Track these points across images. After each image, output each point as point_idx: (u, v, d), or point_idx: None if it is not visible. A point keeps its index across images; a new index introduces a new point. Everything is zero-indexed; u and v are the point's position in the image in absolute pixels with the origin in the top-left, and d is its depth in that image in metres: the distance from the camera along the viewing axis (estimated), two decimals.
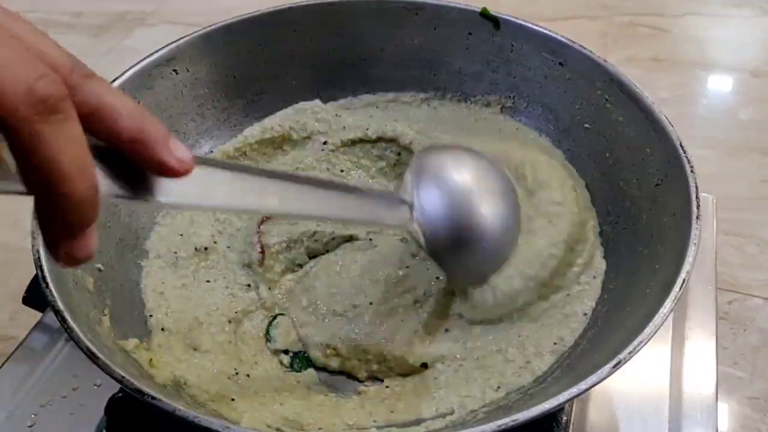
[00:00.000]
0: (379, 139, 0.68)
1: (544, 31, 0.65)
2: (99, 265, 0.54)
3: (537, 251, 0.54)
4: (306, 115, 0.69)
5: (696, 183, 0.52)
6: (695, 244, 0.48)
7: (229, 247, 0.62)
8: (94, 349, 0.43)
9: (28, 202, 0.50)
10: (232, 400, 0.50)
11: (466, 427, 0.44)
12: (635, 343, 0.43)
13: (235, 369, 0.54)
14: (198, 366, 0.52)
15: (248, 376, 0.54)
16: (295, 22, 0.70)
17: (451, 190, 0.52)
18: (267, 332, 0.59)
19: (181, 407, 0.41)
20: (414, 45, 0.71)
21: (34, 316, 0.64)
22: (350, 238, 0.63)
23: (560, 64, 0.65)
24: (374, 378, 0.57)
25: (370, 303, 0.58)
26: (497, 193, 0.54)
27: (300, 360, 0.58)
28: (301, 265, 0.62)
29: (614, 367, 0.42)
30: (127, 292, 0.56)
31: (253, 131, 0.68)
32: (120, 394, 0.52)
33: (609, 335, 0.51)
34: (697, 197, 0.51)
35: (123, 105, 0.30)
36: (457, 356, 0.55)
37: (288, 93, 0.71)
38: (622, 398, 0.58)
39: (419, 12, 0.69)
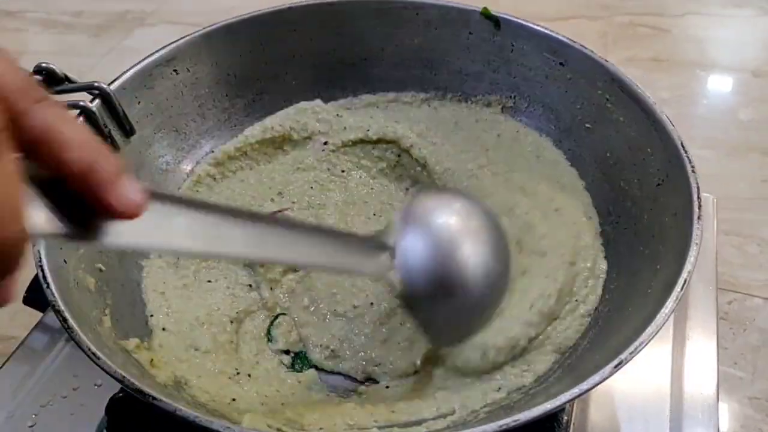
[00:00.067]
0: (379, 141, 0.69)
1: (545, 31, 0.65)
2: (100, 265, 0.54)
3: (531, 297, 0.53)
4: (307, 115, 0.69)
5: (697, 183, 0.52)
6: (697, 244, 0.48)
7: None
8: (94, 349, 0.43)
9: None
10: (233, 400, 0.50)
11: (467, 427, 0.44)
12: (637, 343, 0.43)
13: (236, 369, 0.54)
14: (199, 366, 0.52)
15: (249, 376, 0.54)
16: (296, 22, 0.70)
17: (439, 238, 0.48)
18: (268, 332, 0.59)
19: (181, 407, 0.41)
20: (414, 45, 0.71)
21: (35, 316, 0.64)
22: None
23: (561, 64, 0.65)
24: (373, 379, 0.56)
25: (371, 303, 0.58)
26: (489, 246, 0.50)
27: (301, 360, 0.58)
28: None
29: (616, 367, 0.42)
30: (128, 292, 0.56)
31: (254, 131, 0.68)
32: (121, 394, 0.52)
33: (610, 335, 0.51)
34: (698, 197, 0.51)
35: (75, 135, 0.28)
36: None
37: (289, 93, 0.71)
38: (623, 398, 0.58)
39: (420, 12, 0.69)
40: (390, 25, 0.70)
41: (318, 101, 0.70)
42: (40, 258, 0.47)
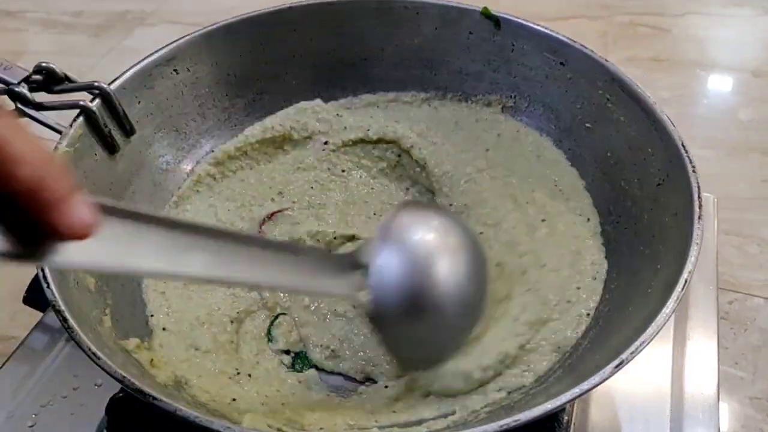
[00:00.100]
0: (379, 141, 0.69)
1: (545, 31, 0.65)
2: None
3: (515, 312, 0.54)
4: (307, 114, 0.69)
5: (698, 183, 0.52)
6: (697, 243, 0.48)
7: None
8: (95, 349, 0.43)
9: None
10: (234, 400, 0.50)
11: (468, 426, 0.44)
12: (638, 343, 0.43)
13: (237, 369, 0.54)
14: (199, 366, 0.52)
15: (250, 376, 0.54)
16: (296, 22, 0.70)
17: (415, 258, 0.47)
18: (268, 332, 0.59)
19: (182, 407, 0.41)
20: (414, 44, 0.71)
21: (35, 316, 0.64)
22: (352, 238, 0.63)
23: (561, 63, 0.65)
24: (372, 379, 0.56)
25: None
26: (465, 268, 0.49)
27: (301, 360, 0.58)
28: None
29: (616, 367, 0.42)
30: (128, 292, 0.56)
31: (254, 131, 0.68)
32: (121, 394, 0.52)
33: (611, 335, 0.51)
34: (699, 197, 0.51)
35: (27, 151, 0.26)
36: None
37: (289, 92, 0.71)
38: (624, 398, 0.57)
39: (420, 11, 0.69)
40: (390, 25, 0.70)
41: (318, 101, 0.70)
42: None
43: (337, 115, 0.70)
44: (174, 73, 0.65)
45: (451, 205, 0.65)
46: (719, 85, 1.20)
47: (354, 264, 0.47)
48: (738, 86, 1.18)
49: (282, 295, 0.60)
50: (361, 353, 0.57)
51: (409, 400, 0.52)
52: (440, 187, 0.66)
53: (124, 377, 0.42)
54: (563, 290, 0.56)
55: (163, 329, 0.55)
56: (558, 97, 0.67)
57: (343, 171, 0.69)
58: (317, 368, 0.57)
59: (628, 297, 0.53)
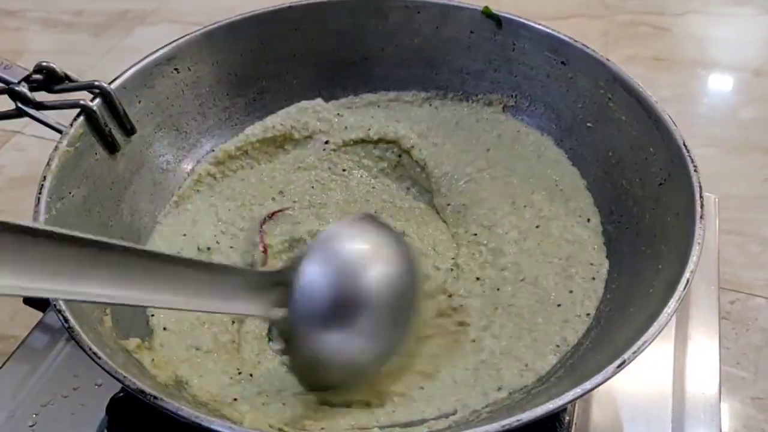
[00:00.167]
0: (380, 140, 0.69)
1: (547, 30, 0.65)
2: None
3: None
4: (308, 114, 0.69)
5: (699, 182, 0.52)
6: (699, 243, 0.48)
7: (232, 247, 0.62)
8: (95, 349, 0.43)
9: (28, 201, 0.50)
10: (235, 400, 0.49)
11: (469, 426, 0.43)
12: (639, 342, 0.43)
13: (238, 369, 0.54)
14: (200, 366, 0.52)
15: (251, 376, 0.54)
16: (297, 21, 0.70)
17: (339, 276, 0.47)
18: (269, 332, 0.58)
19: (183, 407, 0.40)
20: (415, 44, 0.71)
21: (35, 315, 0.64)
22: None
23: (562, 63, 0.65)
24: None
25: None
26: (395, 288, 0.49)
27: None
28: None
29: (618, 366, 0.42)
30: None
31: (255, 130, 0.68)
32: (121, 394, 0.52)
33: (612, 335, 0.51)
34: (701, 196, 0.51)
35: None
36: (465, 356, 0.55)
37: (289, 92, 0.71)
38: (625, 398, 0.57)
39: (421, 11, 0.69)
40: (391, 24, 0.70)
41: (319, 100, 0.70)
42: None
43: (338, 114, 0.70)
44: (175, 72, 0.65)
45: (449, 204, 0.65)
46: (720, 84, 1.19)
47: (275, 281, 0.46)
48: (739, 85, 1.17)
49: None
50: None
51: (410, 400, 0.52)
52: (438, 187, 0.66)
53: (124, 377, 0.42)
54: (556, 293, 0.56)
55: (164, 329, 0.55)
56: (559, 97, 0.66)
57: (344, 170, 0.69)
58: None
59: (630, 297, 0.53)
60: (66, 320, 0.44)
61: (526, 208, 0.63)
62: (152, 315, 0.56)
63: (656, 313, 0.45)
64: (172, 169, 0.65)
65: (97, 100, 0.57)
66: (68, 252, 0.33)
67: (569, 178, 0.65)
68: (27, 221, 0.34)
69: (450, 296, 0.58)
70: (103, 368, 0.42)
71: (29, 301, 0.64)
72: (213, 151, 0.68)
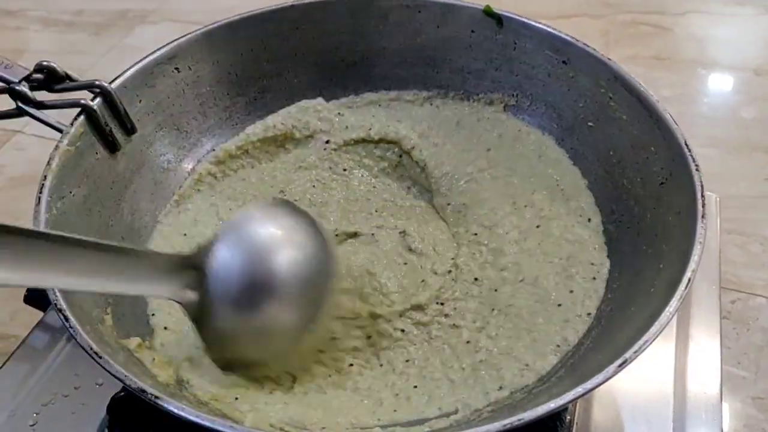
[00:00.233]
0: (381, 140, 0.69)
1: (548, 29, 0.65)
2: None
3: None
4: (308, 113, 0.69)
5: (701, 182, 0.52)
6: (701, 243, 0.48)
7: None
8: (96, 348, 0.43)
9: (29, 201, 0.50)
10: (236, 399, 0.49)
11: (471, 426, 0.43)
12: (641, 342, 0.43)
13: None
14: (201, 365, 0.52)
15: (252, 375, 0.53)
16: (297, 20, 0.70)
17: (250, 257, 0.48)
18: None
19: (184, 407, 0.40)
20: (416, 43, 0.71)
21: (35, 315, 0.64)
22: (354, 234, 0.63)
23: (563, 62, 0.65)
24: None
25: None
26: (306, 267, 0.50)
27: None
28: None
29: (620, 366, 0.42)
30: None
31: (256, 129, 0.68)
32: (122, 394, 0.52)
33: (613, 335, 0.51)
34: (702, 195, 0.51)
35: None
36: (459, 356, 0.55)
37: (290, 91, 0.71)
38: (626, 397, 0.57)
39: (422, 10, 0.69)
40: (392, 23, 0.70)
41: (320, 99, 0.70)
42: None
43: (339, 113, 0.70)
44: (175, 71, 0.65)
45: (449, 204, 0.65)
46: (721, 84, 1.19)
47: (186, 264, 0.48)
48: (740, 85, 1.17)
49: None
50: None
51: (411, 399, 0.52)
52: (438, 187, 0.66)
53: (125, 376, 0.42)
54: (557, 292, 0.57)
55: (165, 328, 0.55)
56: (560, 96, 0.66)
57: (345, 170, 0.69)
58: None
59: (631, 296, 0.53)
60: (66, 319, 0.44)
61: (527, 208, 0.63)
62: (153, 314, 0.56)
63: (657, 313, 0.45)
64: (172, 168, 0.65)
65: (98, 100, 0.57)
66: None
67: (570, 177, 0.65)
68: None
69: (442, 304, 0.58)
70: (103, 367, 0.42)
71: (29, 301, 0.64)
72: (214, 150, 0.68)
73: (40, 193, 0.51)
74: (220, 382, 0.51)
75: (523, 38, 0.67)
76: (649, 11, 1.32)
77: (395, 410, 0.51)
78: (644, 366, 0.57)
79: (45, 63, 0.57)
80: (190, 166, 0.67)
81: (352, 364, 0.55)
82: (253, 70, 0.70)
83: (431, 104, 0.73)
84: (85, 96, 0.57)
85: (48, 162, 0.53)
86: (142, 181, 0.62)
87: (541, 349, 0.53)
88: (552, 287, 0.57)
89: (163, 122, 0.64)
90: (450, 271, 0.60)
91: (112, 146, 0.59)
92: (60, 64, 0.58)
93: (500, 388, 0.51)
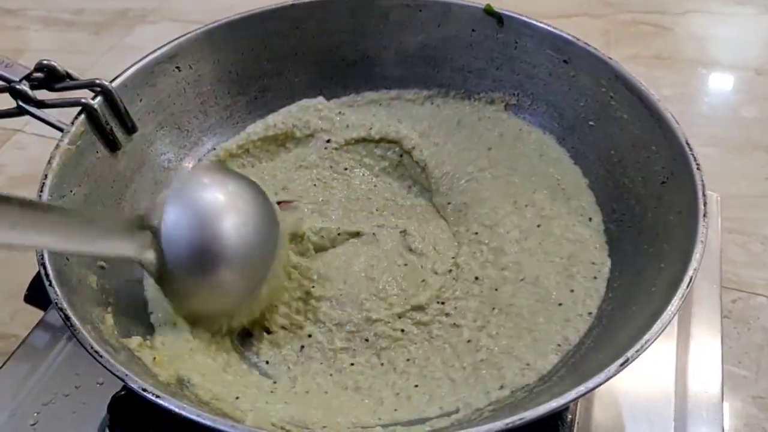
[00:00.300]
0: (381, 140, 0.69)
1: (549, 28, 0.65)
2: (102, 263, 0.54)
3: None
4: (309, 112, 0.69)
5: (702, 181, 0.52)
6: (702, 242, 0.48)
7: None
8: (97, 347, 0.43)
9: None
10: (237, 398, 0.49)
11: (472, 425, 0.43)
12: (642, 341, 0.43)
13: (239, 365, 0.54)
14: (202, 364, 0.52)
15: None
16: (298, 20, 0.70)
17: (203, 213, 0.51)
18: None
19: (185, 406, 0.40)
20: (417, 42, 0.71)
21: (35, 314, 0.63)
22: (356, 234, 0.63)
23: (564, 61, 0.65)
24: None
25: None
26: (251, 227, 0.53)
27: None
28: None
29: (622, 365, 0.42)
30: (130, 290, 0.56)
31: (256, 128, 0.68)
32: (123, 393, 0.52)
33: (614, 334, 0.51)
34: (703, 195, 0.51)
35: None
36: (460, 355, 0.55)
37: (291, 90, 0.71)
38: (627, 397, 0.57)
39: (423, 9, 0.69)
40: (392, 23, 0.70)
41: (320, 98, 0.70)
42: (43, 256, 0.47)
43: (340, 113, 0.70)
44: (176, 70, 0.65)
45: (449, 203, 0.65)
46: (721, 83, 1.19)
47: (141, 225, 0.50)
48: (740, 84, 1.17)
49: None
50: None
51: (412, 398, 0.52)
52: (438, 187, 0.67)
53: (126, 375, 0.42)
54: (557, 292, 0.57)
55: (164, 325, 0.54)
56: (561, 95, 0.66)
57: (346, 169, 0.69)
58: None
59: (632, 296, 0.53)
60: (67, 318, 0.44)
61: (528, 207, 0.63)
62: (151, 313, 0.55)
63: (659, 312, 0.45)
64: (173, 167, 0.65)
65: (99, 99, 0.57)
66: None
67: (571, 176, 0.65)
68: None
69: (443, 303, 0.58)
70: (104, 366, 0.42)
71: (30, 300, 0.64)
72: (214, 149, 0.68)
73: (41, 192, 0.51)
74: (221, 380, 0.51)
75: (524, 37, 0.67)
76: (649, 11, 1.32)
77: (396, 409, 0.51)
78: (645, 365, 0.56)
79: (45, 62, 0.57)
80: (191, 165, 0.67)
81: (353, 364, 0.55)
82: (253, 69, 0.70)
83: (432, 103, 0.73)
84: (85, 95, 0.57)
85: (49, 161, 0.53)
86: (143, 180, 0.62)
87: (542, 349, 0.53)
88: (553, 286, 0.57)
89: (163, 121, 0.64)
90: (450, 271, 0.60)
91: (112, 145, 0.59)
92: (60, 64, 0.58)
93: (501, 387, 0.51)
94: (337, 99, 0.72)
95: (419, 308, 0.57)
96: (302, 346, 0.57)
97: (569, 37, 0.64)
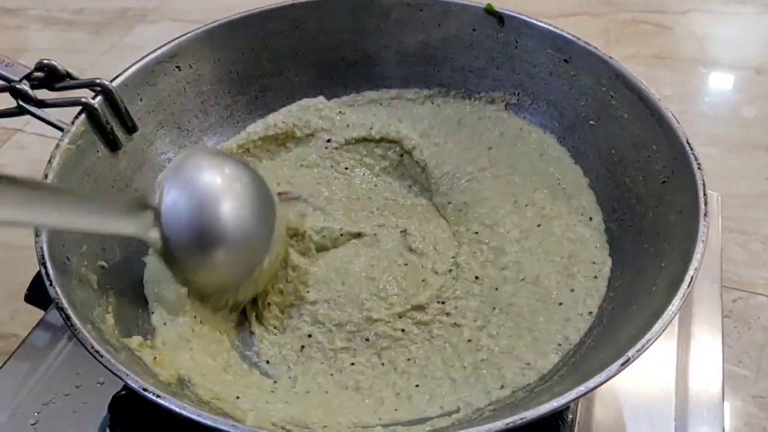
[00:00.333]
0: (382, 140, 0.68)
1: (549, 28, 0.65)
2: (102, 263, 0.54)
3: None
4: (309, 112, 0.69)
5: (703, 180, 0.52)
6: (703, 241, 0.48)
7: None
8: (97, 347, 0.43)
9: None
10: (237, 398, 0.49)
11: (473, 425, 0.43)
12: (644, 341, 0.43)
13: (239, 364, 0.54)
14: (202, 364, 0.52)
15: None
16: (298, 19, 0.70)
17: (203, 196, 0.52)
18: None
19: (185, 405, 0.40)
20: (417, 41, 0.71)
21: (35, 313, 0.63)
22: (358, 235, 0.63)
23: (565, 60, 0.65)
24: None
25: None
26: (249, 206, 0.54)
27: None
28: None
29: (623, 364, 0.42)
30: (131, 290, 0.56)
31: (257, 128, 0.68)
32: (123, 392, 0.52)
33: (615, 333, 0.51)
34: (704, 194, 0.51)
35: None
36: (460, 355, 0.55)
37: (291, 89, 0.71)
38: (628, 396, 0.57)
39: (423, 8, 0.69)
40: (393, 22, 0.70)
41: (321, 98, 0.70)
42: (43, 255, 0.47)
43: (340, 112, 0.70)
44: (176, 69, 0.65)
45: (449, 203, 0.65)
46: (721, 82, 1.19)
47: (143, 205, 0.51)
48: (741, 84, 1.17)
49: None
50: None
51: (413, 398, 0.52)
52: (438, 187, 0.67)
53: (127, 375, 0.42)
54: (558, 291, 0.57)
55: (165, 325, 0.54)
56: (562, 94, 0.66)
57: (346, 168, 0.69)
58: None
59: (633, 295, 0.53)
60: (68, 318, 0.44)
61: (528, 207, 0.63)
62: (152, 313, 0.55)
63: (660, 311, 0.45)
64: None
65: (99, 98, 0.57)
66: None
67: (571, 176, 0.65)
68: None
69: (443, 303, 0.58)
70: (105, 366, 0.42)
71: (30, 300, 0.64)
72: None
73: None
74: (221, 380, 0.51)
75: (525, 37, 0.67)
76: (649, 10, 1.32)
77: (396, 409, 0.51)
78: (646, 365, 0.56)
79: (46, 61, 0.57)
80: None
81: (353, 363, 0.55)
82: (254, 68, 0.70)
83: (432, 103, 0.73)
84: (86, 94, 0.57)
85: (49, 160, 0.53)
86: (143, 180, 0.62)
87: (542, 348, 0.53)
88: (553, 286, 0.57)
89: (164, 121, 0.64)
90: (451, 270, 0.60)
91: (113, 145, 0.59)
92: (60, 63, 0.58)
93: (502, 386, 0.51)
94: (337, 98, 0.72)
95: (419, 308, 0.57)
96: (302, 346, 0.57)
97: (570, 37, 0.64)
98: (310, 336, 0.57)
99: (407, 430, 0.48)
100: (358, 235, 0.63)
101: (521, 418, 0.40)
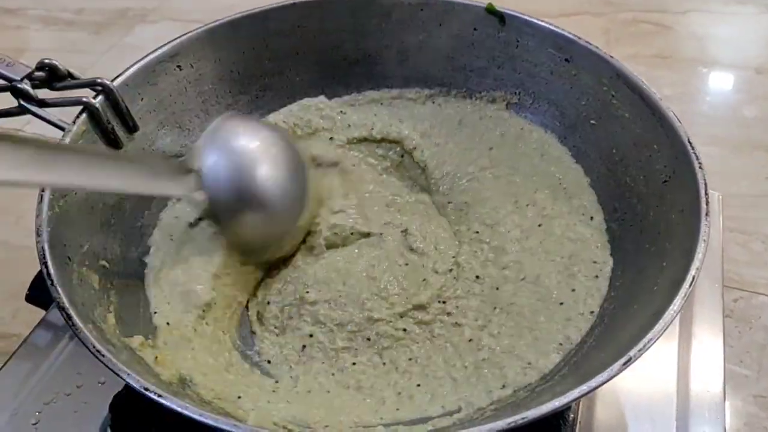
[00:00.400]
0: (383, 140, 0.68)
1: (550, 27, 0.65)
2: (104, 262, 0.54)
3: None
4: (311, 111, 0.69)
5: (705, 179, 0.52)
6: (704, 240, 0.48)
7: None
8: (99, 347, 0.43)
9: (30, 200, 0.50)
10: (239, 398, 0.49)
11: (474, 424, 0.43)
12: (645, 340, 0.43)
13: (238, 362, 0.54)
14: (204, 363, 0.52)
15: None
16: (299, 18, 0.70)
17: (241, 159, 0.56)
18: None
19: (187, 405, 0.40)
20: (418, 41, 0.71)
21: (36, 313, 0.63)
22: (367, 235, 0.62)
23: (566, 60, 0.65)
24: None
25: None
26: (285, 169, 0.58)
27: None
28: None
29: (624, 364, 0.42)
30: (132, 289, 0.56)
31: None
32: (125, 392, 0.52)
33: (616, 333, 0.51)
34: (706, 193, 0.51)
35: None
36: (462, 354, 0.55)
37: (292, 89, 0.71)
38: (629, 396, 0.57)
39: (424, 8, 0.69)
40: (394, 22, 0.70)
41: (322, 98, 0.70)
42: (44, 255, 0.47)
43: (341, 112, 0.70)
44: (177, 69, 0.64)
45: (450, 203, 0.65)
46: (722, 82, 1.19)
47: (186, 169, 0.54)
48: (741, 84, 1.17)
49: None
50: None
51: (414, 397, 0.52)
52: (438, 188, 0.67)
53: (128, 374, 0.42)
54: (558, 291, 0.57)
55: (167, 324, 0.54)
56: (563, 94, 0.66)
57: (353, 165, 0.68)
58: None
59: (634, 295, 0.53)
60: (69, 317, 0.44)
61: (529, 207, 0.63)
62: (155, 312, 0.55)
63: (661, 311, 0.45)
64: None
65: (100, 98, 0.57)
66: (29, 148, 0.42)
67: (572, 175, 0.65)
68: None
69: (444, 302, 0.58)
70: (106, 366, 0.42)
71: (31, 299, 0.64)
72: None
73: (43, 191, 0.51)
74: (223, 380, 0.51)
75: (526, 36, 0.67)
76: (650, 10, 1.32)
77: (398, 409, 0.51)
78: (647, 364, 0.57)
79: (47, 61, 0.57)
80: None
81: (355, 363, 0.55)
82: (254, 68, 0.70)
83: (433, 102, 0.72)
84: (87, 94, 0.57)
85: None
86: None
87: (543, 348, 0.53)
88: (554, 285, 0.57)
89: (165, 120, 0.64)
90: (451, 270, 0.60)
91: (114, 144, 0.59)
92: (61, 63, 0.57)
93: (503, 386, 0.51)
94: (338, 98, 0.72)
95: (421, 307, 0.57)
96: (304, 346, 0.57)
97: (570, 36, 0.64)
98: (311, 336, 0.57)
99: (409, 429, 0.48)
100: (367, 236, 0.63)
101: (523, 418, 0.40)
